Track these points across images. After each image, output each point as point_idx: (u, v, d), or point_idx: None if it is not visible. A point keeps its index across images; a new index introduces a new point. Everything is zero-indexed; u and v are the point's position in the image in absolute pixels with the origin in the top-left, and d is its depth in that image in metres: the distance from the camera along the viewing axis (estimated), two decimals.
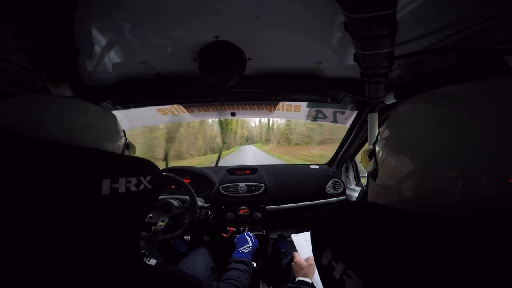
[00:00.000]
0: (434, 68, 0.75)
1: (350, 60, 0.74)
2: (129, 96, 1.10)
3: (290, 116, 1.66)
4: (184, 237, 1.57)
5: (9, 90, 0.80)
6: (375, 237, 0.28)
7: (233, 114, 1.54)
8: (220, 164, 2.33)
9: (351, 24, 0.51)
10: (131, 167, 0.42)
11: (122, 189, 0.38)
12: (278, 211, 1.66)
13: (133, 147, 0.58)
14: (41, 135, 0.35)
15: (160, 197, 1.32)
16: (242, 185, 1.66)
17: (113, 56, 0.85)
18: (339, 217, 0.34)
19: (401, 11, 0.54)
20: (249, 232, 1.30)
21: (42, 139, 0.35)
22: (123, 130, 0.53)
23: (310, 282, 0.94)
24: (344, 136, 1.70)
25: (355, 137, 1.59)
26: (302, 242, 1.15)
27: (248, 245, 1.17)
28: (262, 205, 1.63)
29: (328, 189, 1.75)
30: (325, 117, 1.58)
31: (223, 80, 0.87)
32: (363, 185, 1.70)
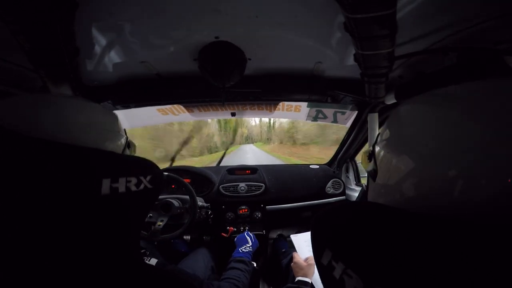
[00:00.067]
0: (434, 68, 0.75)
1: (350, 60, 0.74)
2: (129, 96, 1.10)
3: (290, 116, 1.66)
4: (184, 237, 1.57)
5: (9, 90, 0.80)
6: (375, 237, 0.28)
7: (233, 114, 1.54)
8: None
9: (351, 24, 0.51)
10: (131, 167, 0.42)
11: (122, 188, 0.38)
12: (278, 211, 1.66)
13: (134, 146, 0.58)
14: (41, 134, 0.35)
15: (160, 196, 1.33)
16: (242, 185, 1.66)
17: (113, 56, 0.85)
18: (339, 217, 0.34)
19: (401, 11, 0.54)
20: (249, 232, 1.30)
21: (42, 139, 0.35)
22: (124, 129, 0.53)
23: (310, 282, 0.94)
24: (344, 136, 1.70)
25: (355, 137, 1.59)
26: (302, 243, 1.15)
27: (248, 245, 1.17)
28: (262, 205, 1.63)
29: (328, 189, 1.75)
30: (325, 117, 1.58)
31: (223, 80, 0.87)
32: (363, 185, 1.70)
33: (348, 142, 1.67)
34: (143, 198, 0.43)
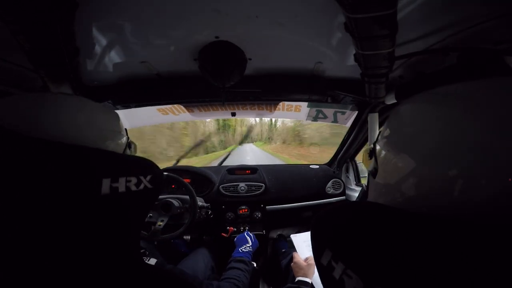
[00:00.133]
0: (435, 68, 0.75)
1: (351, 60, 0.74)
2: (130, 96, 1.10)
3: (290, 116, 1.66)
4: (184, 237, 1.57)
5: (9, 90, 0.80)
6: (375, 237, 0.28)
7: (233, 114, 1.54)
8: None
9: (351, 24, 0.51)
10: (131, 167, 0.42)
11: (122, 188, 0.38)
12: (278, 211, 1.66)
13: (135, 146, 0.57)
14: (41, 134, 0.35)
15: (160, 196, 1.33)
16: (242, 185, 1.66)
17: (114, 56, 0.85)
18: (339, 217, 0.34)
19: (401, 11, 0.54)
20: (249, 232, 1.30)
21: (42, 139, 0.35)
22: (125, 129, 0.53)
23: (310, 282, 0.94)
24: (345, 136, 1.70)
25: (356, 137, 1.59)
26: (302, 243, 1.15)
27: (248, 245, 1.17)
28: (262, 205, 1.64)
29: (328, 189, 1.75)
30: (325, 117, 1.59)
31: (223, 80, 0.87)
32: (363, 185, 1.70)
33: (348, 142, 1.67)
34: (143, 198, 0.43)
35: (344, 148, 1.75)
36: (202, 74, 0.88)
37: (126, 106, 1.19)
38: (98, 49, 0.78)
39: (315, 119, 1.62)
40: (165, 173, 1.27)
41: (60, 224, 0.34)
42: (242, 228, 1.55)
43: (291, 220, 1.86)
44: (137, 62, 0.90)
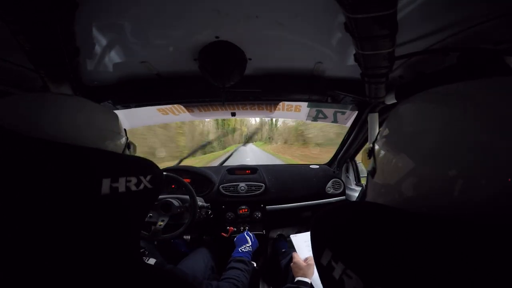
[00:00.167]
0: (435, 68, 0.75)
1: (351, 60, 0.74)
2: (130, 96, 1.10)
3: (290, 116, 1.66)
4: (184, 237, 1.57)
5: (9, 90, 0.80)
6: (375, 237, 0.28)
7: (233, 114, 1.54)
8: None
9: (351, 24, 0.51)
10: (131, 167, 0.42)
11: (122, 188, 0.38)
12: (278, 211, 1.66)
13: (134, 146, 0.58)
14: (41, 134, 0.35)
15: (160, 196, 1.33)
16: (242, 184, 1.66)
17: (114, 56, 0.85)
18: (339, 217, 0.34)
19: (401, 12, 0.54)
20: (248, 232, 1.30)
21: (42, 139, 0.35)
22: (125, 130, 0.53)
23: (309, 282, 0.94)
24: (345, 136, 1.70)
25: (356, 137, 1.59)
26: (301, 243, 1.15)
27: (248, 245, 1.17)
28: (262, 205, 1.64)
29: (328, 189, 1.75)
30: (325, 117, 1.59)
31: (223, 80, 0.87)
32: (363, 185, 1.70)
33: (348, 142, 1.67)
34: (143, 198, 0.43)
35: (344, 148, 1.75)
36: (202, 74, 0.88)
37: (126, 106, 1.19)
38: (98, 49, 0.78)
39: (315, 119, 1.62)
40: (165, 173, 1.27)
41: (60, 224, 0.34)
42: (242, 228, 1.55)
43: (291, 220, 1.86)
44: (137, 62, 0.90)
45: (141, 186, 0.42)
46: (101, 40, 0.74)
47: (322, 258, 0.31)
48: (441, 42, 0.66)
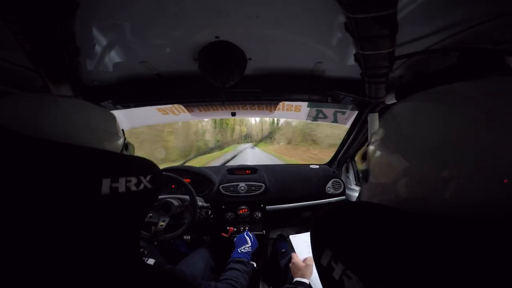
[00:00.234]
0: (435, 68, 0.75)
1: (351, 60, 0.74)
2: (130, 96, 1.10)
3: (290, 116, 1.66)
4: (184, 237, 1.57)
5: (9, 90, 0.80)
6: (375, 237, 0.28)
7: (233, 114, 1.54)
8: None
9: (351, 24, 0.51)
10: (131, 167, 0.42)
11: (122, 188, 0.38)
12: (278, 211, 1.66)
13: (132, 147, 0.58)
14: (41, 134, 0.35)
15: (160, 196, 1.33)
16: (242, 184, 1.66)
17: (114, 56, 0.85)
18: (339, 217, 0.34)
19: (401, 12, 0.54)
20: (248, 232, 1.30)
21: (42, 139, 0.35)
22: (122, 130, 0.53)
23: (308, 282, 0.94)
24: (344, 136, 1.70)
25: (356, 137, 1.59)
26: (301, 243, 1.15)
27: (247, 245, 1.17)
28: (262, 205, 1.63)
29: (328, 189, 1.75)
30: (325, 117, 1.59)
31: (223, 80, 0.87)
32: None
33: (348, 142, 1.67)
34: (143, 198, 0.43)
35: (344, 148, 1.75)
36: (202, 74, 0.88)
37: (126, 106, 1.19)
38: (98, 49, 0.78)
39: (315, 119, 1.62)
40: (165, 173, 1.27)
41: (60, 224, 0.34)
42: (242, 228, 1.55)
43: (291, 220, 1.86)
44: (137, 62, 0.90)
45: (141, 186, 0.42)
46: (101, 40, 0.74)
47: (322, 259, 0.31)
48: (441, 42, 0.66)
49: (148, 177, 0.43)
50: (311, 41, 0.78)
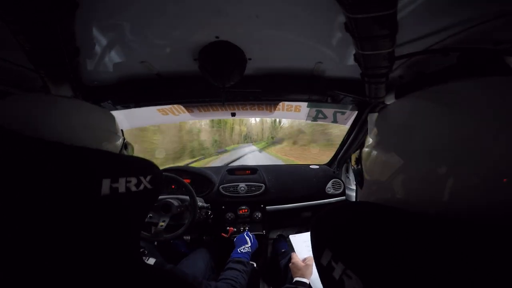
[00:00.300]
0: (435, 68, 0.75)
1: (351, 60, 0.74)
2: (129, 96, 1.10)
3: (290, 116, 1.66)
4: (184, 237, 1.57)
5: (9, 90, 0.80)
6: (375, 237, 0.28)
7: (233, 114, 1.54)
8: None
9: (351, 24, 0.51)
10: (131, 167, 0.42)
11: (122, 189, 0.38)
12: (278, 211, 1.66)
13: (131, 147, 0.58)
14: (41, 135, 0.35)
15: (160, 197, 1.33)
16: (242, 185, 1.66)
17: (114, 56, 0.85)
18: (339, 218, 0.34)
19: (401, 11, 0.54)
20: (248, 232, 1.30)
21: (42, 139, 0.35)
22: (121, 130, 0.53)
23: (307, 282, 0.94)
24: (345, 136, 1.70)
25: (355, 137, 1.59)
26: (300, 243, 1.15)
27: (247, 245, 1.17)
28: (262, 205, 1.63)
29: (328, 189, 1.75)
30: (325, 117, 1.58)
31: (223, 80, 0.87)
32: None
33: (348, 142, 1.67)
34: (143, 198, 0.43)
35: (344, 148, 1.75)
36: (202, 74, 0.88)
37: (126, 106, 1.19)
38: (98, 49, 0.78)
39: (315, 119, 1.61)
40: (164, 173, 1.27)
41: (60, 224, 0.34)
42: (242, 228, 1.55)
43: (291, 221, 1.86)
44: (137, 62, 0.90)
45: (141, 187, 0.42)
46: (101, 40, 0.74)
47: (322, 258, 0.31)
48: (441, 42, 0.66)
49: (148, 178, 0.43)
50: (311, 41, 0.78)
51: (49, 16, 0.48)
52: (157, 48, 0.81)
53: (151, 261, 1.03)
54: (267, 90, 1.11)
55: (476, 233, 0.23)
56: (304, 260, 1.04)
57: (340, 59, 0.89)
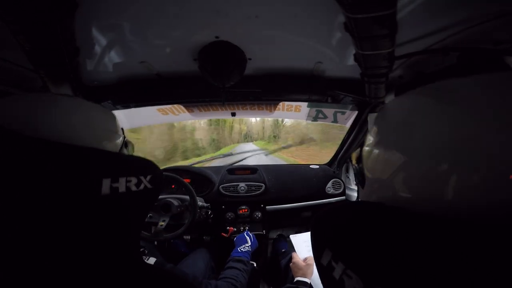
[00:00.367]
0: (434, 68, 0.75)
1: (351, 60, 0.74)
2: (130, 96, 1.10)
3: (290, 116, 1.66)
4: (184, 237, 1.58)
5: (9, 90, 0.80)
6: (375, 237, 0.28)
7: (233, 114, 1.54)
8: None
9: (351, 24, 0.51)
10: (131, 167, 0.42)
11: (122, 188, 0.38)
12: (278, 211, 1.66)
13: (132, 145, 0.58)
14: (41, 134, 0.35)
15: (160, 196, 1.33)
16: (242, 185, 1.66)
17: (114, 56, 0.85)
18: (339, 217, 0.34)
19: (401, 11, 0.54)
20: (248, 232, 1.30)
21: (42, 139, 0.35)
22: (122, 129, 0.53)
23: (308, 282, 0.94)
24: (345, 136, 1.70)
25: (356, 137, 1.59)
26: (301, 243, 1.15)
27: (247, 245, 1.17)
28: (262, 205, 1.63)
29: (328, 189, 1.75)
30: (325, 117, 1.58)
31: (223, 80, 0.87)
32: None
33: (348, 142, 1.67)
34: (143, 198, 0.43)
35: (344, 148, 1.75)
36: (202, 74, 0.88)
37: (126, 106, 1.19)
38: (98, 49, 0.78)
39: (315, 119, 1.61)
40: (165, 173, 1.27)
41: (60, 224, 0.34)
42: (242, 228, 1.55)
43: (291, 220, 1.86)
44: (137, 62, 0.90)
45: (141, 186, 0.42)
46: (101, 40, 0.74)
47: (322, 258, 0.31)
48: (441, 42, 0.66)
49: (148, 177, 0.43)
50: (311, 41, 0.78)
51: (49, 16, 0.48)
52: (157, 48, 0.81)
53: (151, 260, 1.03)
54: (267, 90, 1.11)
55: (476, 233, 0.23)
56: (305, 260, 1.05)
57: (340, 59, 0.89)
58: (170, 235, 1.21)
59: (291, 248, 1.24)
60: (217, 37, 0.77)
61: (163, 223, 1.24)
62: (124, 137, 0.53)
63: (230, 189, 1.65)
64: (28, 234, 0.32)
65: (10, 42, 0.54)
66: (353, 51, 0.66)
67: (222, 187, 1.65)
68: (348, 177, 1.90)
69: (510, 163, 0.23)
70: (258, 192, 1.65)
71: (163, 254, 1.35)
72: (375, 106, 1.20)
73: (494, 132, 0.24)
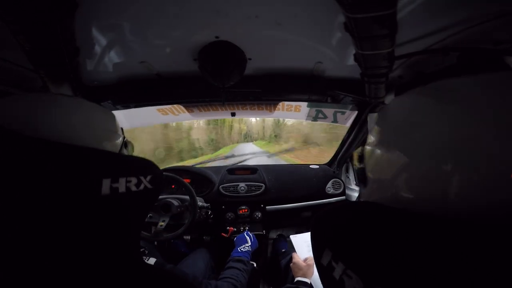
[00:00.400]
0: (434, 68, 0.75)
1: (351, 60, 0.74)
2: (129, 96, 1.10)
3: (290, 116, 1.66)
4: (184, 237, 1.58)
5: (9, 90, 0.80)
6: (375, 237, 0.28)
7: (233, 114, 1.54)
8: None
9: (351, 24, 0.51)
10: (131, 167, 0.42)
11: (122, 189, 0.38)
12: (278, 211, 1.66)
13: (131, 145, 0.58)
14: (41, 134, 0.35)
15: (160, 196, 1.33)
16: (242, 185, 1.66)
17: (114, 56, 0.85)
18: (339, 217, 0.34)
19: (401, 11, 0.54)
20: (248, 232, 1.30)
21: (42, 139, 0.35)
22: (121, 128, 0.53)
23: (309, 282, 0.94)
24: (345, 136, 1.70)
25: (355, 137, 1.59)
26: (301, 243, 1.15)
27: (247, 245, 1.18)
28: (262, 205, 1.64)
29: (328, 189, 1.75)
30: (325, 117, 1.59)
31: (223, 80, 0.87)
32: None
33: (348, 142, 1.67)
34: (143, 198, 0.43)
35: (344, 148, 1.75)
36: (202, 74, 0.88)
37: (126, 106, 1.19)
38: (98, 49, 0.78)
39: (315, 119, 1.62)
40: (165, 173, 1.27)
41: (60, 224, 0.34)
42: (242, 228, 1.55)
43: (291, 220, 1.86)
44: (137, 62, 0.90)
45: (141, 187, 0.42)
46: (101, 40, 0.74)
47: (323, 258, 0.31)
48: (441, 42, 0.66)
49: (148, 177, 0.43)
50: (311, 41, 0.78)
51: (49, 16, 0.48)
52: (157, 48, 0.81)
53: (151, 261, 1.03)
54: (267, 90, 1.11)
55: (476, 233, 0.23)
56: (305, 260, 1.05)
57: (340, 59, 0.89)
58: (170, 235, 1.21)
59: (291, 248, 1.24)
60: (217, 37, 0.77)
61: (163, 223, 1.24)
62: (124, 137, 0.53)
63: (230, 189, 1.65)
64: (28, 234, 0.32)
65: (10, 42, 0.54)
66: (353, 51, 0.66)
67: (222, 187, 1.65)
68: (348, 177, 1.90)
69: (510, 163, 0.23)
70: (258, 192, 1.65)
71: (163, 254, 1.35)
72: (375, 106, 1.20)
73: (494, 132, 0.24)
